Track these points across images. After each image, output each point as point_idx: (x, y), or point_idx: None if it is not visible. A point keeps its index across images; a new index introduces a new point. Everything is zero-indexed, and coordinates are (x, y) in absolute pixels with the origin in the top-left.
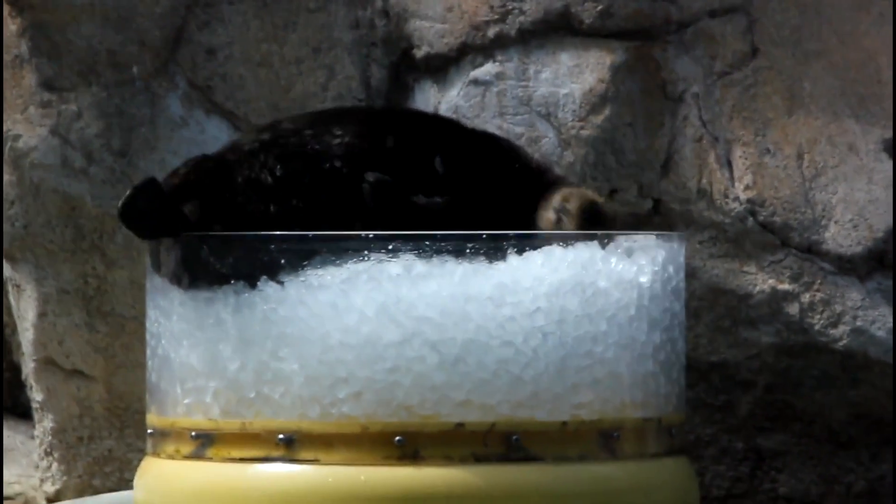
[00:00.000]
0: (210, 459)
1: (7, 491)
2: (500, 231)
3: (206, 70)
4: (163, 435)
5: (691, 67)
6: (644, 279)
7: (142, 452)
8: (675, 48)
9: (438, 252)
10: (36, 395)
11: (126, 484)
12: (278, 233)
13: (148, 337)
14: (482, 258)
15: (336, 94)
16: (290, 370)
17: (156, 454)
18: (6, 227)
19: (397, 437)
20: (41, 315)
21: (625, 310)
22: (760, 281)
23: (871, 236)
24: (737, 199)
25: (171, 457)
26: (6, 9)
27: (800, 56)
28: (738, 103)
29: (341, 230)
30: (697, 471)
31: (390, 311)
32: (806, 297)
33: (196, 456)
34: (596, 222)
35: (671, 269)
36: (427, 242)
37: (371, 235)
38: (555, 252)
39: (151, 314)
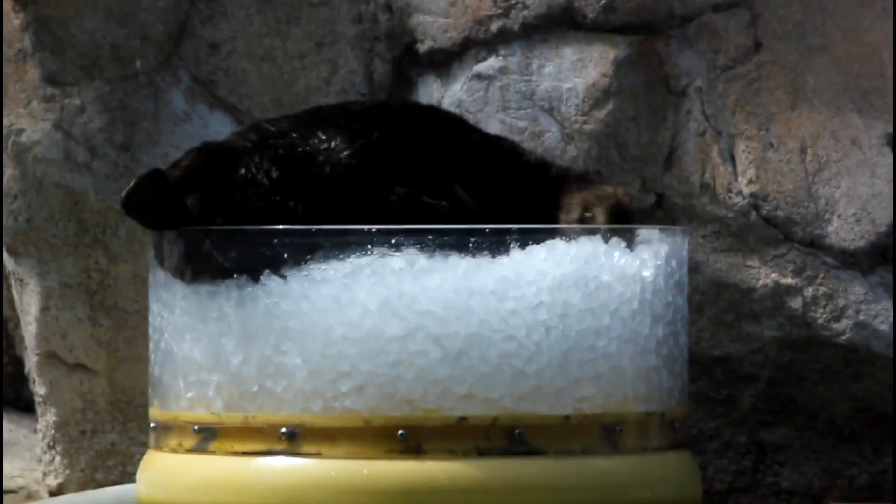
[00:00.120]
0: (213, 453)
1: (10, 484)
2: (503, 225)
3: (209, 65)
4: (165, 429)
5: (694, 62)
6: (647, 273)
7: (144, 446)
8: (678, 42)
9: (441, 246)
10: (39, 389)
11: (129, 478)
12: (281, 227)
13: (151, 331)
14: (485, 252)
15: (339, 89)
16: (292, 364)
17: (158, 448)
18: (9, 221)
19: (400, 431)
20: (44, 309)
21: (628, 304)
22: (763, 275)
23: (873, 230)
24: (740, 193)
25: (173, 450)
26: (9, 3)
27: (803, 50)
28: (742, 98)
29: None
30: (700, 465)
31: (393, 305)
32: (809, 292)
33: (199, 450)
34: (626, 220)
35: (674, 263)
36: (430, 236)
37: (374, 230)
38: (558, 246)
39: (154, 308)
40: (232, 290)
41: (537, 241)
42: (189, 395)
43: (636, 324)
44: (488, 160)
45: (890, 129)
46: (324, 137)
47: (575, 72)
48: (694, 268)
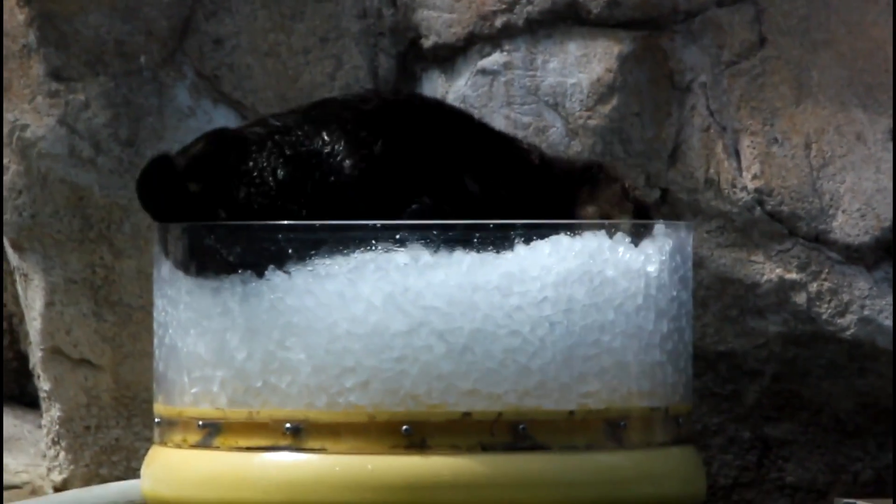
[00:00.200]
0: (217, 449)
1: (14, 480)
2: (508, 220)
3: (213, 60)
4: (170, 424)
5: (699, 57)
6: (651, 268)
7: (149, 442)
8: (682, 38)
9: (446, 241)
10: (43, 385)
11: (133, 473)
12: (286, 222)
13: (155, 326)
14: (489, 248)
15: (343, 84)
16: (297, 359)
17: (163, 443)
18: (14, 216)
19: (404, 427)
20: (48, 304)
21: (632, 299)
22: (768, 270)
23: (878, 226)
24: (744, 188)
25: (178, 446)
26: None
27: (808, 45)
28: (746, 93)
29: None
30: (704, 460)
31: (397, 300)
32: (813, 287)
33: (203, 445)
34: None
35: (679, 258)
36: (434, 232)
37: (378, 225)
38: (562, 241)
39: (159, 303)
40: (236, 285)
41: (542, 237)
42: (193, 390)
43: (640, 319)
44: (496, 155)
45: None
46: (329, 140)
47: (579, 67)
48: (698, 263)
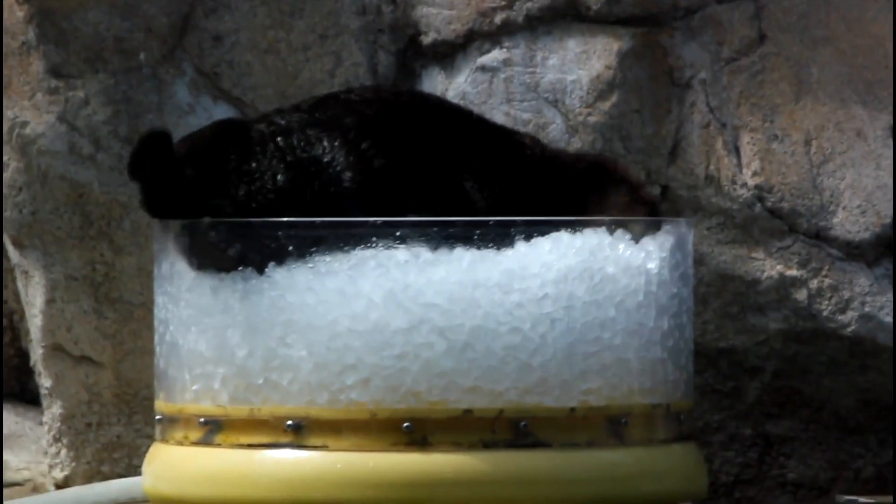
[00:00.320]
0: (218, 446)
1: (16, 477)
2: (508, 217)
3: (213, 57)
4: (171, 421)
5: (699, 54)
6: (652, 265)
7: (150, 439)
8: (682, 34)
9: (446, 238)
10: (44, 382)
11: (135, 470)
12: (286, 219)
13: (156, 323)
14: (490, 244)
15: (343, 81)
16: (298, 356)
17: (164, 440)
18: (14, 213)
19: (405, 424)
20: (49, 301)
21: (633, 296)
22: (768, 267)
23: (878, 222)
24: (744, 185)
25: (179, 443)
26: None
27: (807, 42)
28: (746, 89)
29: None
30: (706, 457)
31: (398, 297)
32: (814, 283)
33: (204, 442)
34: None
35: (679, 255)
36: (435, 229)
37: (379, 222)
38: (563, 238)
39: (159, 300)
40: (237, 282)
41: (542, 234)
42: (195, 387)
43: (641, 316)
44: (499, 154)
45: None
46: (330, 149)
47: (579, 64)
48: (699, 260)
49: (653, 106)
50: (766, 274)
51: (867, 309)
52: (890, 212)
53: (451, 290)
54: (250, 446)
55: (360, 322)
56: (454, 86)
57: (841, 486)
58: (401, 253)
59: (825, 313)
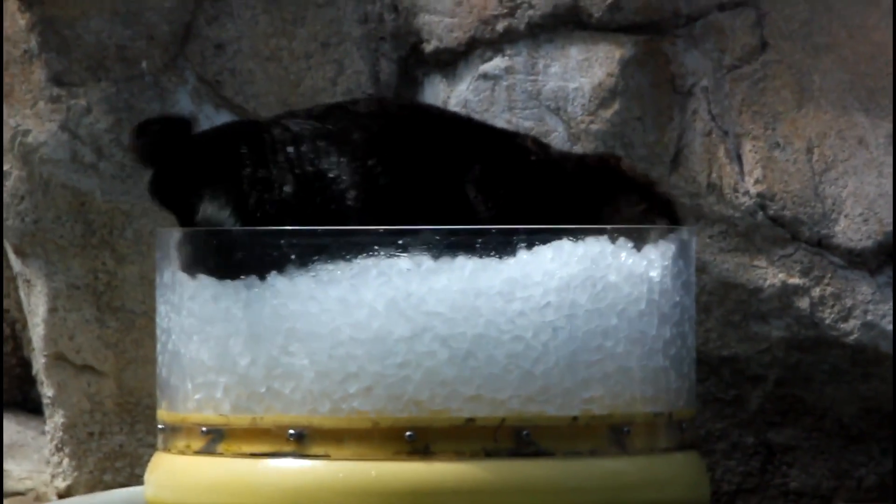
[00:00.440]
0: (221, 455)
1: (18, 486)
2: (510, 226)
3: (215, 65)
4: (173, 430)
5: (700, 61)
6: (654, 273)
7: (152, 448)
8: (684, 42)
9: (448, 247)
10: (46, 391)
11: (137, 479)
12: (288, 227)
13: (158, 332)
14: (492, 253)
15: (345, 89)
16: (300, 365)
17: (166, 450)
18: (16, 222)
19: (408, 433)
20: (51, 310)
21: (635, 304)
22: (771, 275)
23: (881, 230)
24: (746, 193)
25: (181, 452)
26: (15, 4)
27: (809, 50)
28: (748, 97)
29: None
30: (708, 465)
31: (400, 306)
32: (816, 292)
33: (207, 451)
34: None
35: (681, 263)
36: (437, 237)
37: (381, 230)
38: (564, 247)
39: (161, 309)
40: (239, 290)
41: (544, 242)
42: (197, 396)
43: (643, 324)
44: (503, 158)
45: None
46: (337, 164)
47: (581, 71)
48: (701, 268)
49: (655, 114)
50: (768, 282)
51: (869, 317)
52: (891, 220)
53: (454, 299)
54: (252, 455)
55: (362, 330)
56: (456, 93)
57: (843, 495)
58: (403, 261)
59: (827, 321)
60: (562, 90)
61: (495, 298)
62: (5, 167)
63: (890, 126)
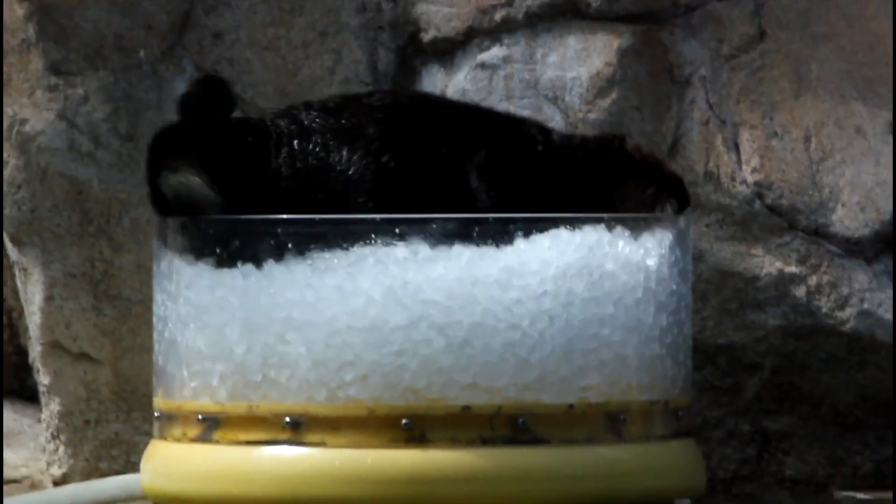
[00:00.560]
0: (217, 442)
1: (14, 474)
2: (507, 214)
3: (212, 54)
4: (169, 418)
5: (698, 51)
6: (651, 262)
7: (148, 436)
8: (682, 31)
9: (445, 235)
10: (43, 379)
11: (133, 467)
12: (285, 216)
13: (155, 320)
14: (489, 241)
15: (343, 79)
16: (296, 353)
17: (162, 437)
18: (14, 211)
19: (404, 420)
20: (48, 299)
21: (632, 292)
22: (767, 263)
23: (878, 219)
24: (744, 181)
25: (177, 440)
26: None
27: (807, 39)
28: (746, 86)
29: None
30: (704, 453)
31: (397, 294)
32: (813, 280)
33: (203, 439)
34: (689, 201)
35: (678, 251)
36: (434, 226)
37: (378, 219)
38: (562, 235)
39: (158, 297)
40: (236, 278)
41: (541, 230)
42: (193, 384)
43: (640, 312)
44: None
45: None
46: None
47: (579, 61)
48: (698, 256)
49: (652, 103)
50: (765, 270)
51: (866, 305)
52: (889, 208)
53: (450, 287)
54: (248, 443)
55: (358, 319)
56: (454, 83)
57: (839, 483)
58: (400, 250)
59: (824, 310)
60: (559, 80)
61: (492, 287)
62: (3, 156)
63: (887, 115)
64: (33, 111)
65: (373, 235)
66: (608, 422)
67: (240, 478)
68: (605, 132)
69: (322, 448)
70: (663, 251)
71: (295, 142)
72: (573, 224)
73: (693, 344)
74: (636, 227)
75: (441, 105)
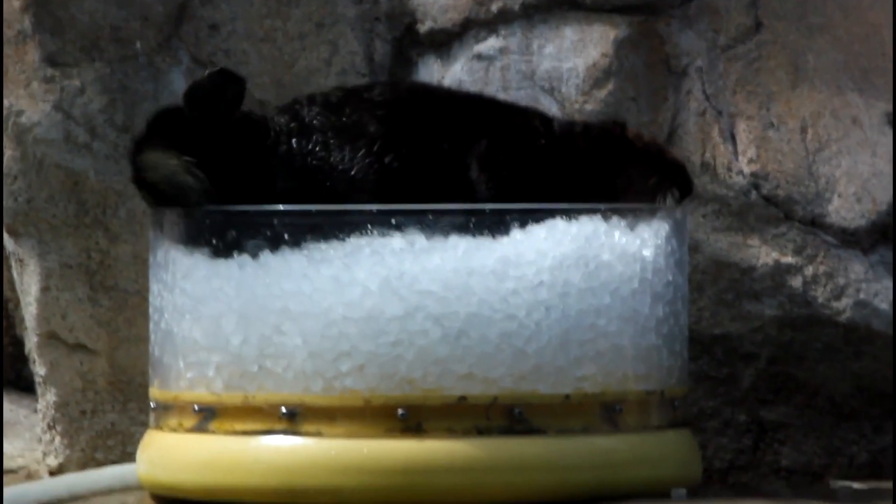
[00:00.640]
0: (213, 433)
1: (10, 464)
2: (503, 205)
3: (209, 45)
4: (165, 408)
5: (695, 41)
6: (647, 252)
7: (144, 426)
8: (678, 22)
9: (441, 226)
10: (39, 370)
11: (129, 457)
12: (281, 207)
13: (151, 311)
14: (485, 232)
15: (339, 70)
16: (293, 344)
17: (158, 428)
18: (10, 202)
19: (400, 411)
20: (44, 289)
21: (628, 283)
22: (764, 254)
23: (874, 209)
24: (740, 172)
25: (173, 430)
26: None
27: (804, 30)
28: (742, 77)
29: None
30: (700, 443)
31: (393, 284)
32: (809, 270)
33: (199, 429)
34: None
35: (674, 242)
36: (430, 216)
37: (374, 209)
38: (558, 225)
39: (154, 288)
40: (232, 269)
41: (537, 221)
42: (189, 375)
43: (636, 303)
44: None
45: (890, 109)
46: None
47: (575, 52)
48: (694, 247)
49: (649, 94)
50: (761, 261)
51: (862, 296)
52: (885, 199)
53: (447, 278)
54: (244, 433)
55: (354, 309)
56: (450, 74)
57: (835, 473)
58: (396, 240)
59: (820, 300)
60: (556, 70)
61: (488, 277)
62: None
63: (884, 106)
64: (29, 102)
65: (369, 226)
66: (604, 412)
67: (236, 468)
68: (606, 119)
69: (318, 438)
70: (660, 242)
71: (294, 140)
72: (569, 214)
73: (689, 334)
74: (633, 218)
75: (442, 96)
